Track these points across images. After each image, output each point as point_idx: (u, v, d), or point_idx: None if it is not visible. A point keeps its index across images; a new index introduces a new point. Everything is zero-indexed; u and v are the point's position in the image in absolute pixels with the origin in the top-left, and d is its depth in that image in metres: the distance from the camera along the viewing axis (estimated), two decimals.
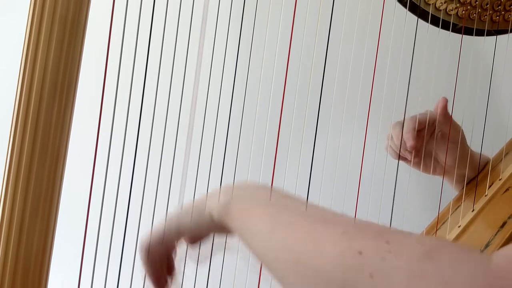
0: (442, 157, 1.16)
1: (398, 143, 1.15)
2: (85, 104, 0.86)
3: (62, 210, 0.74)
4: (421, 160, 1.17)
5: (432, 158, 1.18)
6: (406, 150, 1.14)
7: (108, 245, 0.82)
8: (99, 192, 0.79)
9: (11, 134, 0.70)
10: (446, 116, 1.15)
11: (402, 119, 1.15)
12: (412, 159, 1.16)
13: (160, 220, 0.84)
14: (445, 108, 1.14)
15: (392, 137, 1.17)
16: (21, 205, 0.70)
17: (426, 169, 1.19)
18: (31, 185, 0.70)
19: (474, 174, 1.20)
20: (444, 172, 1.18)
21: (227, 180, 0.92)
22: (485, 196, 1.14)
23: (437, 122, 1.16)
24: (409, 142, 1.12)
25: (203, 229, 0.81)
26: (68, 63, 0.71)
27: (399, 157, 1.17)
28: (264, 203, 0.70)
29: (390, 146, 1.18)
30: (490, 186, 1.15)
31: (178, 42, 0.87)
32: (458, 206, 1.15)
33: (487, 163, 1.22)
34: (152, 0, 0.80)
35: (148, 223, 0.88)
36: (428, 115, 1.16)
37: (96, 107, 0.77)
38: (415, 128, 1.13)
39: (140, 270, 0.88)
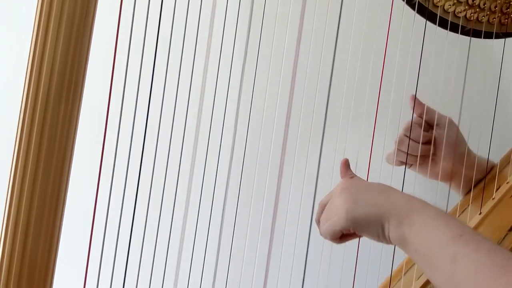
0: (439, 158, 1.16)
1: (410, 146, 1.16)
2: (93, 102, 0.86)
3: (68, 208, 0.74)
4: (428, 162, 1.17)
5: (430, 160, 1.17)
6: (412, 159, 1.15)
7: (114, 244, 0.82)
8: (105, 191, 0.79)
9: (18, 133, 0.71)
10: (428, 112, 1.17)
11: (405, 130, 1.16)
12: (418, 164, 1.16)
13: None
14: (418, 103, 1.16)
15: (402, 141, 1.17)
16: (27, 204, 0.70)
17: (424, 173, 1.19)
18: (38, 184, 0.71)
19: (481, 177, 1.20)
20: (444, 176, 1.17)
21: (233, 182, 0.92)
22: (493, 199, 1.13)
23: (424, 119, 1.16)
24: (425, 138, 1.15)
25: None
26: (75, 60, 0.71)
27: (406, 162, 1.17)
28: (443, 238, 0.72)
29: (397, 159, 1.18)
30: (497, 189, 1.15)
31: (186, 40, 0.87)
32: (465, 209, 1.15)
33: (493, 166, 1.21)
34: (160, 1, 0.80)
35: (154, 225, 0.88)
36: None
37: (103, 105, 0.77)
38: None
39: (146, 270, 0.88)
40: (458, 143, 1.16)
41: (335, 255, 1.14)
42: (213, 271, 0.96)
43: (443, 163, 1.15)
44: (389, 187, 0.85)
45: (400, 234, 0.77)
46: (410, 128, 1.14)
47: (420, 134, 1.14)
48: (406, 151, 1.14)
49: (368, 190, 0.85)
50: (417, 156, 1.14)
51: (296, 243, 1.07)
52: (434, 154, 1.16)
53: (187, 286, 0.99)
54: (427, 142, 1.16)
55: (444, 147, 1.14)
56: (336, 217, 0.83)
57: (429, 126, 1.17)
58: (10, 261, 0.70)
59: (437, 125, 1.16)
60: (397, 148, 1.16)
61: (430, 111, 1.16)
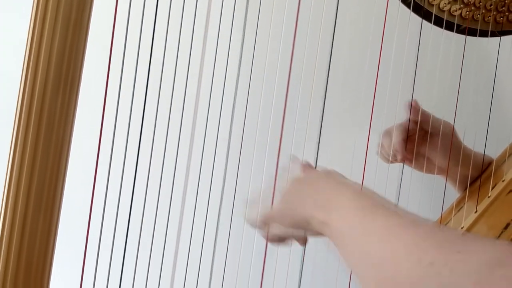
0: (434, 157, 1.17)
1: (389, 151, 1.16)
2: (90, 95, 0.86)
3: (64, 208, 0.74)
4: (412, 162, 1.18)
5: (425, 159, 1.18)
6: (396, 159, 1.16)
7: (110, 244, 0.82)
8: (101, 190, 0.79)
9: (15, 127, 0.71)
10: (423, 115, 1.17)
11: (392, 126, 1.16)
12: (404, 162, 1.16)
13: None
14: (415, 108, 1.16)
15: (383, 145, 1.18)
16: (24, 203, 0.70)
17: (420, 169, 1.20)
18: (34, 180, 0.70)
19: (477, 174, 1.20)
20: (440, 172, 1.18)
21: (229, 184, 0.92)
22: (488, 197, 1.13)
23: (419, 122, 1.17)
24: (400, 154, 1.15)
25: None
26: (72, 53, 0.71)
27: (390, 161, 1.17)
28: (359, 206, 0.73)
29: (381, 153, 1.19)
30: (493, 187, 1.15)
31: (182, 36, 0.87)
32: (461, 207, 1.15)
33: (490, 163, 1.21)
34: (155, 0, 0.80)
35: (151, 222, 0.88)
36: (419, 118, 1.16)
37: (100, 99, 0.77)
38: (404, 138, 1.15)
39: (143, 267, 0.88)
40: (453, 142, 1.16)
41: (331, 254, 1.14)
42: (209, 269, 0.96)
43: (438, 161, 1.16)
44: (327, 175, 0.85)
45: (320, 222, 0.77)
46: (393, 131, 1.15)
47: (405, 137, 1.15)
48: (389, 156, 1.15)
49: (314, 189, 0.84)
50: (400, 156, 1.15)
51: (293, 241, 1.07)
52: (430, 152, 1.17)
53: (184, 285, 0.99)
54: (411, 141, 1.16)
55: (439, 146, 1.15)
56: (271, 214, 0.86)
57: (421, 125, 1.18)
58: (7, 259, 0.70)
59: (432, 124, 1.16)
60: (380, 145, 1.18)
61: (434, 120, 1.16)
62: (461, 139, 1.19)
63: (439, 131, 1.15)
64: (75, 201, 0.91)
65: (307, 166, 0.90)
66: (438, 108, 1.18)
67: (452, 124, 1.15)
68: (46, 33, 0.70)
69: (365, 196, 0.76)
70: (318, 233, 0.80)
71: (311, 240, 0.97)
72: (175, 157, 0.88)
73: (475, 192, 1.16)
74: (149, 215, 0.88)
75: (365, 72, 1.15)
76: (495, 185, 1.15)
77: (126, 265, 0.84)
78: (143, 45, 0.81)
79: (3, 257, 0.70)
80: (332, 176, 0.85)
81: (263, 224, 0.87)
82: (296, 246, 1.00)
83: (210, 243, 0.96)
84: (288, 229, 0.85)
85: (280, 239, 0.88)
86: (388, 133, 1.17)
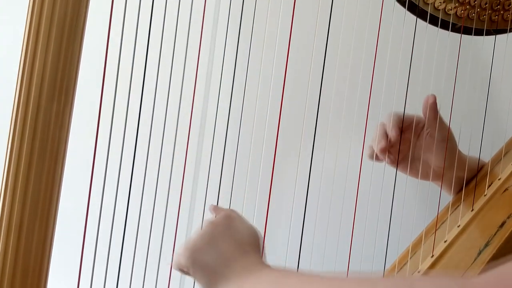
0: (431, 159, 1.15)
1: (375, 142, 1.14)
2: (85, 100, 0.86)
3: (61, 209, 0.74)
4: (407, 164, 1.15)
5: (421, 162, 1.16)
6: (382, 152, 1.13)
7: (107, 244, 0.82)
8: (98, 192, 0.79)
9: (10, 132, 0.71)
10: (435, 113, 1.14)
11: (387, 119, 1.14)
12: (397, 164, 1.14)
13: None
14: (434, 104, 1.13)
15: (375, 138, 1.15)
16: (21, 203, 0.70)
17: (414, 174, 1.17)
18: (30, 185, 0.70)
19: (471, 176, 1.20)
20: (436, 176, 1.16)
21: (225, 184, 0.92)
22: (484, 195, 1.14)
23: (426, 119, 1.14)
24: (394, 137, 1.12)
25: None
26: (67, 59, 0.71)
27: (375, 158, 1.14)
28: None
29: (371, 148, 1.15)
30: (489, 186, 1.15)
31: (177, 39, 0.87)
32: (457, 206, 1.15)
33: (483, 166, 1.21)
34: (150, 4, 0.80)
35: (148, 222, 0.88)
36: (415, 116, 1.15)
37: (95, 104, 0.77)
38: (399, 126, 1.13)
39: (139, 270, 0.88)
40: (449, 146, 1.15)
41: (328, 255, 1.14)
42: None
43: (434, 164, 1.15)
44: (245, 247, 0.82)
45: None
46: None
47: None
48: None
49: (225, 238, 0.82)
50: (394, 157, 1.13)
51: (289, 244, 1.07)
52: (423, 155, 1.16)
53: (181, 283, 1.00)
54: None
55: (435, 149, 1.14)
56: (184, 251, 0.82)
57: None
58: (3, 264, 0.70)
59: (428, 127, 1.15)
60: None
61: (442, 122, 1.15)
62: (457, 138, 1.19)
63: (441, 132, 1.14)
64: (71, 206, 0.91)
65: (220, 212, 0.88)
66: None
67: (448, 121, 1.15)
68: (41, 39, 0.70)
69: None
70: None
71: (307, 243, 0.97)
72: (171, 162, 0.88)
73: (471, 191, 1.16)
74: (144, 221, 0.88)
75: (360, 71, 1.15)
76: (491, 183, 1.15)
77: (123, 271, 0.84)
78: (138, 50, 0.81)
79: (0, 258, 0.70)
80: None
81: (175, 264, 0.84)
82: (289, 248, 1.00)
83: None
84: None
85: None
86: (383, 125, 1.14)
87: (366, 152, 1.14)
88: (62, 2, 0.70)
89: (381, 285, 0.59)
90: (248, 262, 0.79)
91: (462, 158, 1.17)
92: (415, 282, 0.56)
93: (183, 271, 0.83)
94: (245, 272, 0.77)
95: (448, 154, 1.13)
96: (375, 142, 1.13)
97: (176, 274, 0.88)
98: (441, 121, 1.14)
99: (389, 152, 1.13)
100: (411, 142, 1.15)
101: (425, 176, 1.17)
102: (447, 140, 1.14)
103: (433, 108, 1.13)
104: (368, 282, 0.60)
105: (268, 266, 0.78)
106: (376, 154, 1.13)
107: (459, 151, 1.17)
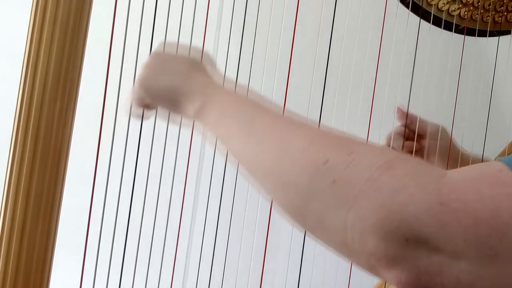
0: (433, 160, 1.17)
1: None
2: (88, 99, 0.87)
3: (64, 208, 0.74)
4: None
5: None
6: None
7: (109, 248, 0.83)
8: (101, 194, 0.79)
9: (14, 130, 0.71)
10: (410, 118, 1.17)
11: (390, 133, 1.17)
12: None
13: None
14: (402, 112, 1.17)
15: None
16: (24, 202, 0.71)
17: None
18: (33, 184, 0.71)
19: None
20: None
21: (229, 178, 0.92)
22: None
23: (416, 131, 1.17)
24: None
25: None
26: (71, 57, 0.72)
27: None
28: (238, 107, 0.71)
29: None
30: None
31: (181, 37, 0.87)
32: None
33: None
34: (154, 5, 0.80)
35: (151, 220, 0.88)
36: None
37: (98, 110, 0.77)
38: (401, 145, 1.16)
39: (142, 272, 0.88)
40: (451, 151, 1.16)
41: (331, 253, 1.14)
42: (209, 267, 0.96)
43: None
44: (198, 66, 0.80)
45: (196, 112, 0.74)
46: (391, 137, 1.16)
47: (402, 144, 1.15)
48: None
49: (173, 61, 0.80)
50: None
51: (292, 240, 1.07)
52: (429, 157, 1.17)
53: (182, 281, 1.00)
54: (411, 151, 1.16)
55: (437, 157, 1.15)
56: (135, 84, 0.79)
57: (419, 136, 1.18)
58: (6, 262, 0.71)
59: (429, 135, 1.16)
60: None
61: (421, 122, 1.17)
62: (461, 139, 1.19)
63: (437, 138, 1.15)
64: (74, 205, 0.91)
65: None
66: (436, 108, 1.18)
67: (451, 122, 1.15)
68: (45, 39, 0.70)
69: (246, 96, 0.74)
70: (187, 117, 0.77)
71: (310, 242, 0.97)
72: (174, 159, 0.89)
73: None
74: (148, 218, 0.88)
75: (364, 72, 1.15)
76: None
77: (125, 269, 0.85)
78: (141, 50, 0.81)
79: (2, 261, 0.71)
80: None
81: (135, 100, 0.81)
82: (292, 244, 1.01)
83: (210, 243, 0.97)
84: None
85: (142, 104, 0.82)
86: (389, 138, 1.18)
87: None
88: (66, 2, 0.71)
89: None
90: (203, 77, 0.78)
91: (464, 157, 1.18)
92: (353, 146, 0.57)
93: (145, 105, 0.81)
94: (205, 86, 0.75)
95: (440, 152, 1.15)
96: (390, 139, 1.16)
97: (178, 274, 0.88)
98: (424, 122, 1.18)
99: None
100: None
101: None
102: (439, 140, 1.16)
103: (403, 116, 1.17)
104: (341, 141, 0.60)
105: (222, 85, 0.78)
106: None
107: (462, 150, 1.17)
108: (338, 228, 0.53)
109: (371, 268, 0.52)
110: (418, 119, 1.16)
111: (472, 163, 1.17)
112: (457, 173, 0.50)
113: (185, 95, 0.75)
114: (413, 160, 0.54)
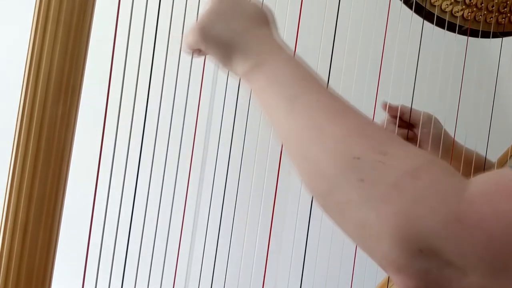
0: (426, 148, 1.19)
1: None
2: (91, 100, 0.87)
3: (66, 208, 0.74)
4: None
5: None
6: None
7: (111, 248, 0.83)
8: (104, 191, 0.79)
9: (16, 131, 0.71)
10: (402, 110, 1.20)
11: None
12: None
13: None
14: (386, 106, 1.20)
15: None
16: (26, 203, 0.71)
17: None
18: (36, 185, 0.71)
19: (467, 171, 1.20)
20: None
21: (232, 178, 0.92)
22: None
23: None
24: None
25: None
26: (74, 58, 0.71)
27: None
28: (286, 79, 0.69)
29: None
30: None
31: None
32: None
33: (484, 162, 1.21)
34: (157, 3, 0.80)
35: (152, 228, 0.88)
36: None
37: (102, 103, 0.77)
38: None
39: (144, 274, 0.88)
40: (443, 140, 1.17)
41: (333, 253, 1.14)
42: (212, 267, 0.96)
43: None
44: (263, 22, 0.77)
45: (245, 72, 0.73)
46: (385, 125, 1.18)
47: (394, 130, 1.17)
48: None
49: (239, 11, 0.77)
50: None
51: (294, 241, 1.07)
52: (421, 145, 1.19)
53: (185, 281, 1.00)
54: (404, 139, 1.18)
55: (430, 145, 1.16)
56: (193, 30, 0.76)
57: (412, 125, 1.22)
58: (9, 261, 0.70)
59: (422, 124, 1.17)
60: None
61: (414, 111, 1.19)
62: (464, 139, 1.19)
63: (430, 126, 1.17)
64: (76, 204, 0.91)
65: None
66: (440, 108, 1.18)
67: (454, 124, 1.16)
68: (48, 39, 0.70)
69: (301, 65, 0.71)
70: (235, 73, 0.75)
71: (312, 239, 0.97)
72: (177, 161, 0.89)
73: None
74: (150, 220, 0.88)
75: (367, 73, 1.15)
76: None
77: (127, 276, 0.85)
78: (145, 50, 0.81)
79: (4, 264, 0.70)
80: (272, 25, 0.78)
81: (188, 43, 0.79)
82: (295, 245, 1.01)
83: (212, 244, 0.97)
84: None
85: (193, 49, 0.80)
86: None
87: None
88: (69, 2, 0.71)
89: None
90: (262, 35, 0.75)
91: (457, 147, 1.19)
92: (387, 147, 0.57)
93: (196, 50, 0.79)
94: (262, 48, 0.73)
95: (433, 140, 1.16)
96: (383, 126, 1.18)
97: (180, 275, 0.88)
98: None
99: None
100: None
101: None
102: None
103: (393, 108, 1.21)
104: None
105: (283, 47, 0.74)
106: None
107: (455, 141, 1.18)
108: (357, 223, 0.54)
109: (381, 266, 0.53)
110: (411, 109, 1.17)
111: (465, 155, 1.18)
112: (476, 186, 0.50)
113: (240, 52, 0.73)
114: (441, 169, 0.54)
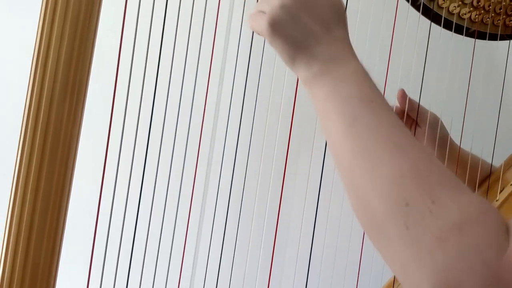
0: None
1: None
2: (97, 100, 0.87)
3: (71, 209, 0.75)
4: None
5: None
6: None
7: (117, 246, 0.83)
8: (109, 193, 0.79)
9: (22, 131, 0.71)
10: (411, 105, 1.19)
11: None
12: None
13: None
14: (404, 97, 1.18)
15: None
16: (31, 204, 0.71)
17: None
18: (41, 184, 0.71)
19: (463, 172, 1.19)
20: None
21: (238, 181, 0.92)
22: (496, 201, 1.13)
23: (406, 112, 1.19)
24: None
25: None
26: (80, 58, 0.72)
27: None
28: (350, 96, 0.65)
29: None
30: (501, 191, 1.14)
31: (190, 42, 0.87)
32: None
33: (489, 167, 1.21)
34: (164, 3, 0.80)
35: (158, 223, 0.88)
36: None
37: (107, 108, 0.77)
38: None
39: (149, 271, 0.88)
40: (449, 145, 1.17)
41: (339, 254, 1.14)
42: (217, 267, 0.96)
43: None
44: (339, 21, 0.72)
45: (307, 78, 0.69)
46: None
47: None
48: None
49: (315, 7, 0.70)
50: None
51: (300, 243, 1.07)
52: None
53: (189, 281, 1.00)
54: None
55: (436, 148, 1.16)
56: (262, 19, 0.71)
57: (418, 124, 1.21)
58: (13, 261, 0.71)
59: (429, 123, 1.17)
60: None
61: (422, 108, 1.18)
62: (470, 141, 1.19)
63: (427, 120, 1.17)
64: (82, 205, 0.91)
65: None
66: (447, 111, 1.17)
67: (461, 125, 1.16)
68: (54, 38, 0.70)
69: (367, 80, 0.68)
70: (295, 73, 0.71)
71: (318, 242, 0.97)
72: (183, 159, 0.89)
73: (483, 195, 1.15)
74: (156, 217, 0.88)
75: (374, 74, 1.14)
76: (503, 188, 1.15)
77: (133, 268, 0.85)
78: (152, 49, 0.81)
79: (10, 260, 0.71)
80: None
81: (254, 28, 0.74)
82: (300, 246, 1.00)
83: (218, 242, 0.97)
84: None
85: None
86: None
87: None
88: (75, 2, 0.71)
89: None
90: (336, 39, 0.70)
91: (464, 153, 1.18)
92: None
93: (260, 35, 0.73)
94: (332, 54, 0.69)
95: (439, 144, 1.16)
96: None
97: (186, 273, 0.88)
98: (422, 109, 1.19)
99: None
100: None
101: None
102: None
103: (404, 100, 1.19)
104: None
105: (354, 57, 0.71)
106: None
107: (451, 141, 1.18)
108: (397, 263, 0.55)
109: None
110: (418, 108, 1.17)
111: (471, 159, 1.17)
112: None
113: (308, 55, 0.69)
114: (491, 223, 0.53)
